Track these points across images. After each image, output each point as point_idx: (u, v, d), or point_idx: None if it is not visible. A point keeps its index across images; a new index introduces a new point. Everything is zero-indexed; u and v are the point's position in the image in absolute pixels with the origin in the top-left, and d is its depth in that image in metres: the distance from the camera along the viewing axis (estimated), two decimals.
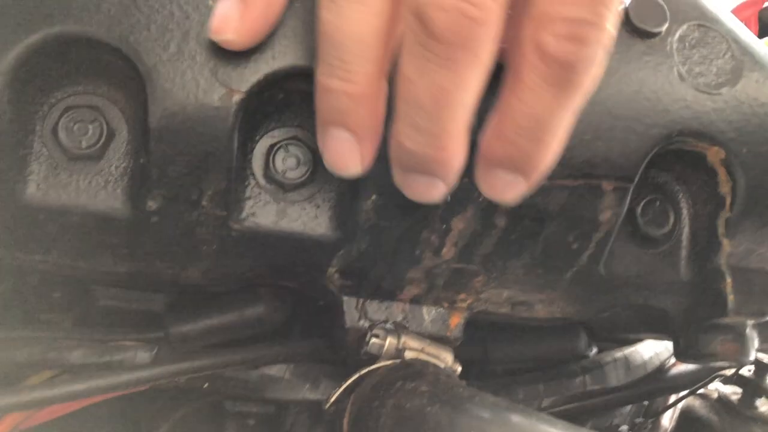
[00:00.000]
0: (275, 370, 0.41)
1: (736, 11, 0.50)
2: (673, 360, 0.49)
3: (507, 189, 0.29)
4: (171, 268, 0.35)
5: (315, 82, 0.29)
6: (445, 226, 0.34)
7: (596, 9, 0.25)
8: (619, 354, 0.47)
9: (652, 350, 0.48)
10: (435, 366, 0.36)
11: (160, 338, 0.38)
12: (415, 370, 0.34)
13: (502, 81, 0.27)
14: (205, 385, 0.41)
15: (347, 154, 0.29)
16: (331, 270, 0.35)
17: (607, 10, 0.25)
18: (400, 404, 0.31)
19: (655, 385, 0.48)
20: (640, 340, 0.49)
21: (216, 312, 0.38)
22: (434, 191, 0.29)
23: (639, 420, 0.53)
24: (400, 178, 0.30)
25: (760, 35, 0.48)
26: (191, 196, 0.32)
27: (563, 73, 0.26)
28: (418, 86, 0.27)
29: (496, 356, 0.46)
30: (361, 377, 0.36)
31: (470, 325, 0.38)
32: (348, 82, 0.28)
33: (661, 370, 0.48)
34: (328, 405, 0.36)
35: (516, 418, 0.29)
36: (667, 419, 0.54)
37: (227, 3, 0.29)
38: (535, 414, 0.29)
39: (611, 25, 0.25)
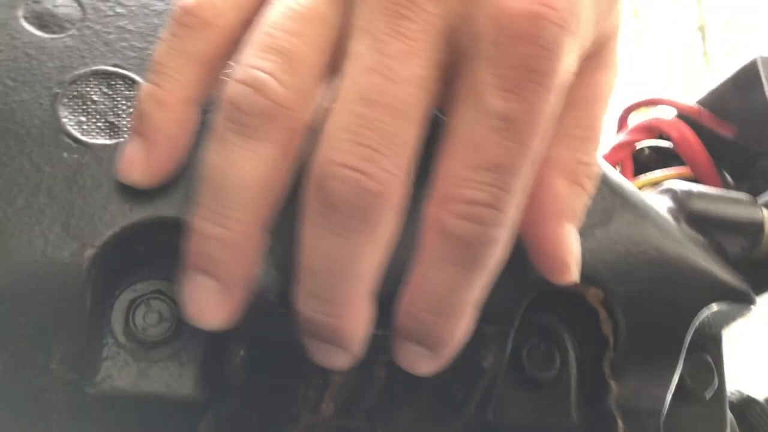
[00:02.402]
0: None
1: (611, 153, 0.52)
2: None
3: (417, 361, 0.29)
4: None
5: (190, 225, 0.27)
6: (322, 380, 0.32)
7: (495, 192, 0.26)
8: None
9: None
10: None
11: None
12: None
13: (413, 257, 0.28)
14: None
15: (209, 304, 0.28)
16: None
17: (506, 194, 0.26)
18: None
19: None
20: None
21: None
22: (337, 359, 0.29)
23: None
24: (306, 343, 0.29)
25: (636, 174, 0.51)
26: (37, 359, 0.29)
27: (463, 252, 0.26)
28: (314, 254, 0.26)
29: None
30: None
31: None
32: (222, 227, 0.27)
33: None
34: None
35: None
36: None
37: (131, 144, 0.29)
38: None
39: (511, 207, 0.26)
